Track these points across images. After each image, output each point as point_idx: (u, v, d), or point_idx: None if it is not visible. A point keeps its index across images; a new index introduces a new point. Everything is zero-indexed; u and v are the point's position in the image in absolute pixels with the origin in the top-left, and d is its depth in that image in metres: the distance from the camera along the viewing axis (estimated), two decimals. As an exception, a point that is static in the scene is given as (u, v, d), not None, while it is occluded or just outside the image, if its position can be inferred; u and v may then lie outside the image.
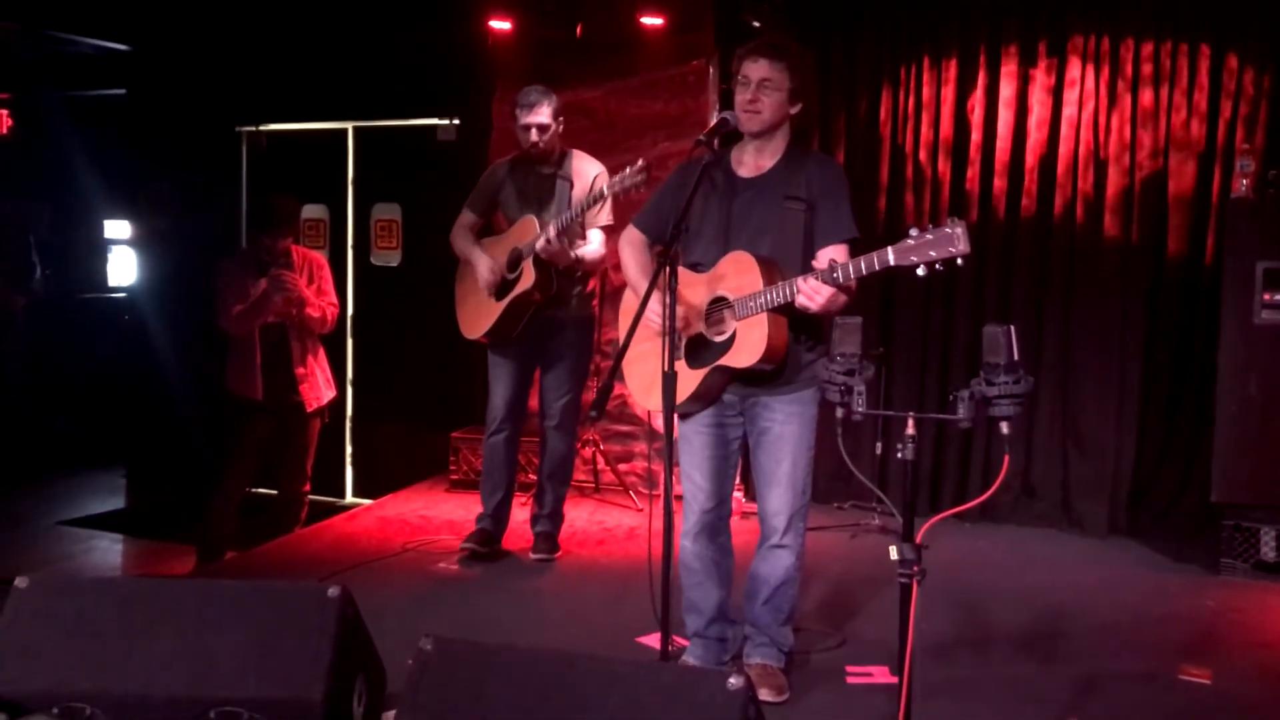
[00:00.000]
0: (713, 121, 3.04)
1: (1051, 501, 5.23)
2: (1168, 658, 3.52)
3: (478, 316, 4.38)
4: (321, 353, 5.18)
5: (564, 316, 4.37)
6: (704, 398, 3.13)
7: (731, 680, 2.14)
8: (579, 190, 4.27)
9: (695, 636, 3.28)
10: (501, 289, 4.30)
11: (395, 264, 6.55)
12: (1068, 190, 5.15)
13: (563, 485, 4.58)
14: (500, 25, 5.61)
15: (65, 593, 2.72)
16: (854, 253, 2.98)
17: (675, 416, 2.99)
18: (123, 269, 9.32)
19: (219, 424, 5.21)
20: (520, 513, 4.82)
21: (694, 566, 3.22)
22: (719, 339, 3.05)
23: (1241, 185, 4.51)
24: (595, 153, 4.49)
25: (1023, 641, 3.70)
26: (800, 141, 3.16)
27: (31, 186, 8.71)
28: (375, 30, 6.13)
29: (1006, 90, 5.21)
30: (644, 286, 3.10)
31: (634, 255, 3.29)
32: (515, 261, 4.27)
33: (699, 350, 3.10)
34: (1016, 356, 2.39)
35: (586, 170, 4.33)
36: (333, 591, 2.65)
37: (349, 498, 6.60)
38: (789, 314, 2.95)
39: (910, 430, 2.51)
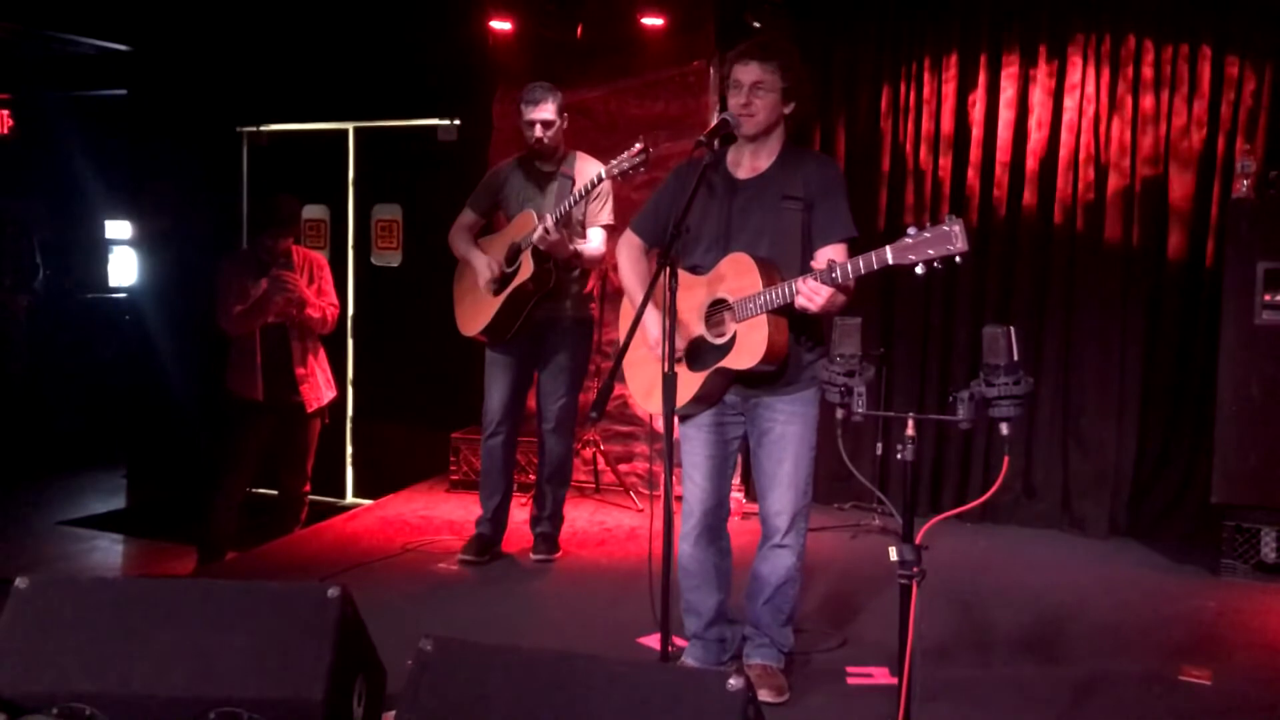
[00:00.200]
0: (713, 122, 3.04)
1: (1052, 502, 5.23)
2: (1168, 658, 3.52)
3: (475, 313, 4.37)
4: (322, 353, 5.18)
5: (562, 317, 4.36)
6: (705, 400, 3.13)
7: (731, 681, 2.14)
8: (579, 188, 4.27)
9: (694, 638, 3.28)
10: (500, 283, 4.30)
11: (396, 264, 6.56)
12: (1068, 191, 5.15)
13: (562, 487, 4.57)
14: (501, 26, 5.61)
15: (65, 593, 2.72)
16: (852, 251, 2.98)
17: (675, 418, 2.99)
18: (124, 269, 9.34)
19: (219, 424, 5.21)
20: (520, 514, 4.82)
21: (693, 569, 3.22)
22: (719, 341, 3.05)
23: (1242, 186, 4.51)
24: (596, 153, 4.49)
25: (1023, 642, 3.70)
26: (801, 141, 3.17)
27: (32, 187, 8.72)
28: (376, 30, 6.13)
29: (1007, 90, 5.21)
30: (640, 294, 3.11)
31: (631, 262, 3.29)
32: (514, 255, 4.26)
33: (699, 353, 3.10)
34: (1016, 357, 2.39)
35: (588, 170, 4.33)
36: (333, 592, 2.65)
37: (349, 498, 6.60)
38: (789, 315, 2.95)
39: (910, 431, 2.51)
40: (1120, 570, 4.61)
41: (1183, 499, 5.06)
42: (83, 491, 7.15)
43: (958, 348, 5.33)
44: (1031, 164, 5.19)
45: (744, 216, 3.08)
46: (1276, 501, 4.36)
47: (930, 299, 5.39)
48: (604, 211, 4.32)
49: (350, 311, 6.58)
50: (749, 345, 2.96)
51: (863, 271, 2.72)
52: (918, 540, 2.48)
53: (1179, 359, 5.11)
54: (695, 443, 3.19)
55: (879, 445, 5.08)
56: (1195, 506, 4.92)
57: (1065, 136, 5.13)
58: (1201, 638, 3.77)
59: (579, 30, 5.58)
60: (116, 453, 7.52)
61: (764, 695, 3.01)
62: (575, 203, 4.14)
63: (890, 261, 2.63)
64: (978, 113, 5.27)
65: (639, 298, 3.13)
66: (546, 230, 4.03)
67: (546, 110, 4.21)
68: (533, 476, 4.93)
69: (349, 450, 6.66)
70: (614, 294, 5.34)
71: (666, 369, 2.66)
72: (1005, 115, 5.22)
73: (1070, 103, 5.11)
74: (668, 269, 2.69)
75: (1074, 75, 5.09)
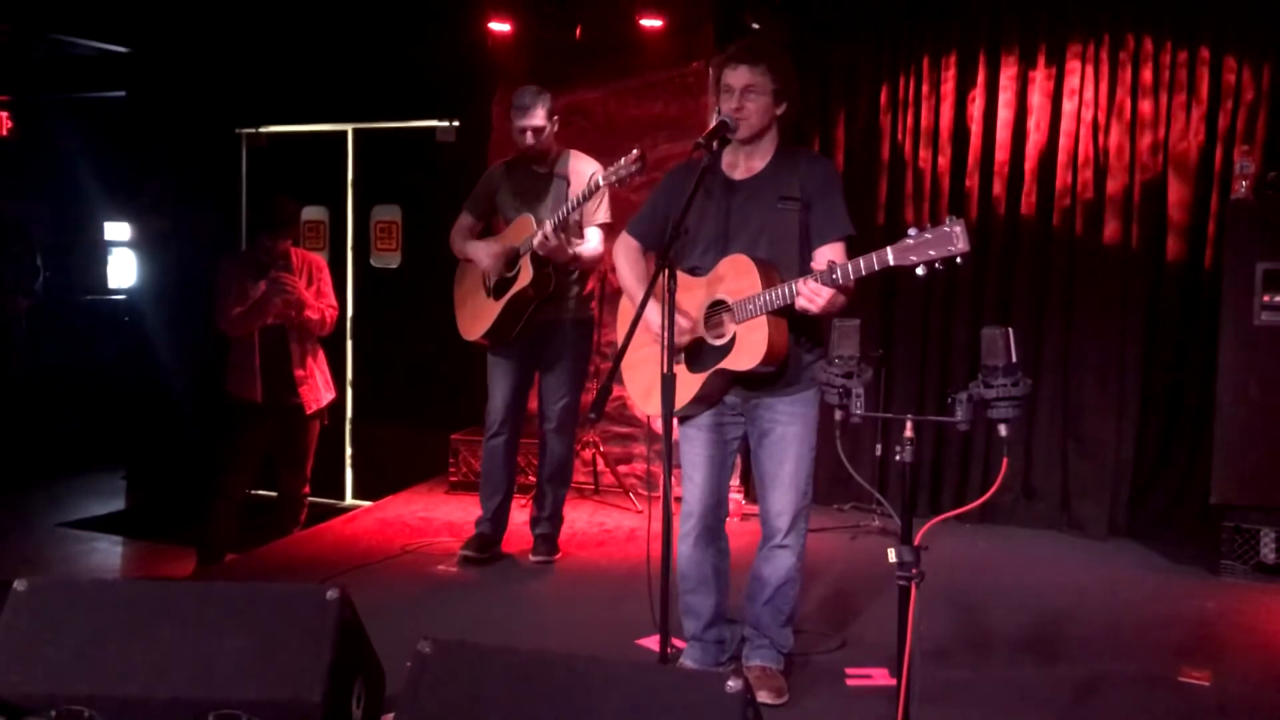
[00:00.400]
0: (712, 124, 3.04)
1: (1052, 503, 5.23)
2: (1168, 659, 3.52)
3: (476, 317, 4.38)
4: (321, 355, 5.18)
5: (563, 318, 4.37)
6: (705, 401, 3.13)
7: (730, 683, 2.14)
8: (575, 189, 4.27)
9: (693, 640, 3.28)
10: (499, 287, 4.30)
11: (395, 266, 6.56)
12: (1067, 192, 5.15)
13: (562, 487, 4.58)
14: (500, 27, 5.61)
15: (64, 595, 2.72)
16: (850, 250, 2.98)
17: (675, 419, 2.99)
18: (123, 271, 9.34)
19: (218, 426, 5.21)
20: (520, 515, 4.82)
21: (691, 570, 3.22)
22: (719, 342, 3.05)
23: (1241, 187, 4.51)
24: (594, 154, 4.49)
25: (1022, 643, 3.70)
26: (800, 141, 3.17)
27: (32, 188, 8.73)
28: (375, 32, 6.13)
29: (1006, 92, 5.21)
30: (640, 293, 3.11)
31: (629, 262, 3.30)
32: (513, 260, 4.27)
33: (699, 354, 3.10)
34: (1015, 359, 2.39)
35: (583, 169, 4.33)
36: (332, 593, 2.65)
37: (348, 499, 6.60)
38: (789, 316, 2.95)
39: (909, 433, 2.51)
40: (1119, 571, 4.61)
41: (1182, 500, 5.07)
42: (82, 493, 7.15)
43: (957, 349, 5.33)
44: (1031, 164, 5.19)
45: (742, 217, 3.08)
46: (1275, 502, 4.36)
47: (930, 300, 5.39)
48: (600, 210, 4.33)
49: (349, 313, 6.58)
50: (749, 346, 2.96)
51: (863, 273, 2.72)
52: (917, 541, 2.48)
53: (1178, 360, 5.11)
54: (695, 443, 3.20)
55: (878, 446, 5.08)
56: (1194, 507, 4.92)
57: (1064, 136, 5.13)
58: (1201, 638, 3.77)
59: (578, 31, 5.59)
60: (116, 454, 7.52)
61: (763, 697, 3.01)
62: (572, 210, 4.15)
63: (892, 262, 2.63)
64: (976, 112, 5.27)
65: (639, 296, 3.14)
66: (545, 236, 4.04)
67: (535, 117, 4.22)
68: (532, 478, 4.93)
69: (348, 452, 6.66)
70: (613, 294, 5.33)
71: (665, 370, 2.66)
72: (1004, 115, 5.22)
73: (1069, 104, 5.11)
74: (666, 271, 2.69)
75: (1073, 78, 5.09)
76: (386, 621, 3.22)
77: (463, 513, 5.13)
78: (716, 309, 3.06)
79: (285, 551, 4.80)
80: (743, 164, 3.13)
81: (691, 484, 3.20)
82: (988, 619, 3.91)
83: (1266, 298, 4.35)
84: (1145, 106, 5.02)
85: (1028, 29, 5.18)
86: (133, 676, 2.53)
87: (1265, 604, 4.13)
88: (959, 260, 2.54)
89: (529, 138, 4.25)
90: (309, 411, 5.08)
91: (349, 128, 6.59)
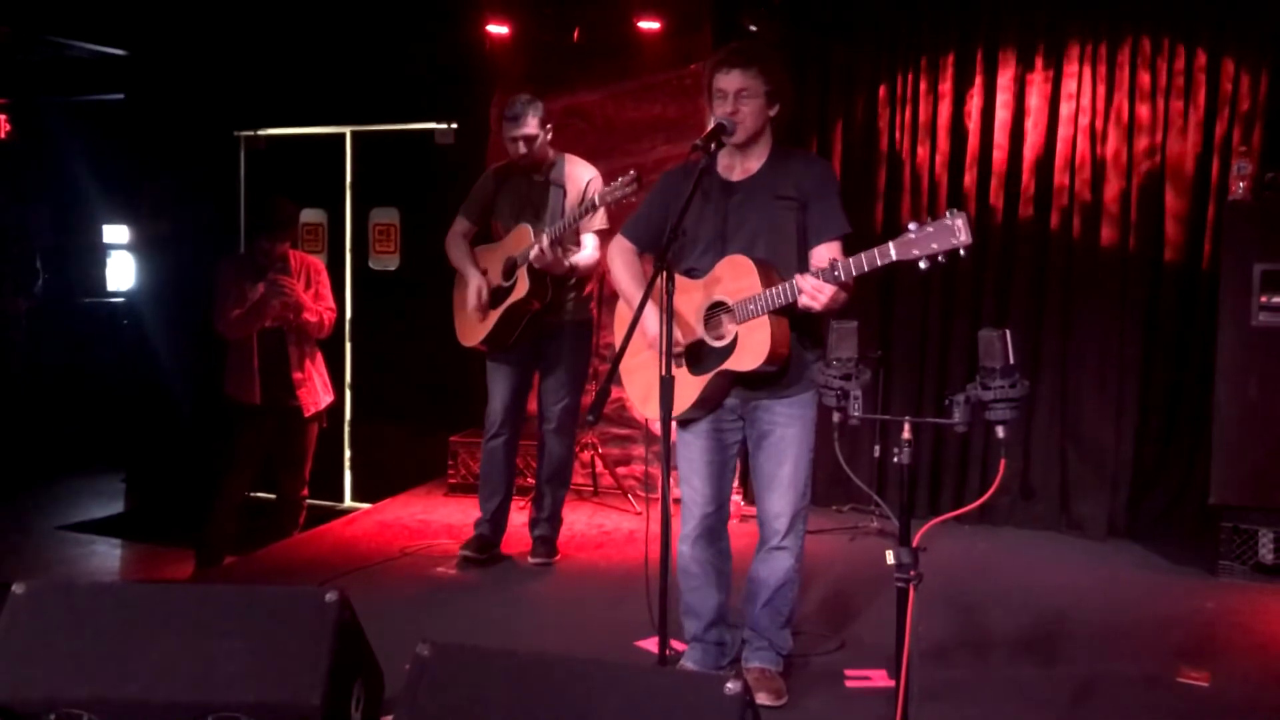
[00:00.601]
0: (709, 126, 3.04)
1: (1050, 503, 5.23)
2: (1167, 660, 3.52)
3: (475, 324, 4.39)
4: (319, 357, 5.19)
5: (562, 320, 4.37)
6: (707, 403, 3.13)
7: (729, 685, 2.14)
8: (572, 195, 4.28)
9: (694, 641, 3.28)
10: (496, 296, 4.31)
11: (393, 268, 6.56)
12: (1065, 193, 5.15)
13: (561, 489, 4.58)
14: (498, 29, 5.62)
15: (63, 598, 2.72)
16: (847, 248, 2.98)
17: (674, 422, 2.99)
18: (121, 273, 9.34)
19: (217, 429, 5.21)
20: (519, 516, 4.82)
21: (692, 571, 3.22)
22: (720, 344, 3.05)
23: (1238, 188, 4.51)
24: (593, 156, 4.50)
25: (1021, 643, 3.70)
26: (798, 142, 3.18)
27: (30, 191, 8.73)
28: (373, 35, 6.13)
29: (1004, 93, 5.21)
30: (637, 295, 3.11)
31: (624, 265, 3.30)
32: (510, 270, 4.28)
33: (700, 356, 3.10)
34: (1012, 360, 2.39)
35: (579, 175, 4.34)
36: (331, 596, 2.65)
37: (347, 502, 6.60)
38: (790, 315, 2.95)
39: (907, 434, 2.51)
40: (1118, 571, 4.61)
41: (1180, 500, 5.07)
42: (81, 496, 7.14)
43: (955, 350, 5.33)
44: (1029, 166, 5.20)
45: (739, 218, 3.08)
46: (1274, 502, 4.36)
47: (928, 301, 5.39)
48: (596, 217, 4.33)
49: (348, 315, 6.58)
50: (751, 346, 2.96)
51: (866, 269, 2.72)
52: (915, 543, 2.48)
53: (1176, 360, 5.11)
54: (694, 449, 3.19)
55: (876, 448, 5.07)
56: (1193, 507, 4.92)
57: (1062, 137, 5.13)
58: (1200, 639, 3.77)
59: (576, 34, 5.59)
60: (115, 457, 7.51)
61: (762, 698, 3.01)
62: (569, 225, 4.15)
63: (894, 257, 2.64)
64: (974, 112, 5.27)
65: (635, 297, 3.14)
66: (542, 250, 4.05)
67: (528, 126, 4.21)
68: (531, 480, 4.93)
69: (347, 454, 6.66)
70: (612, 296, 5.31)
71: (664, 372, 2.66)
72: (1001, 117, 5.22)
73: (1066, 105, 5.11)
74: (664, 273, 2.69)
75: (1070, 80, 5.09)
76: (386, 624, 3.22)
77: (462, 515, 5.13)
78: (716, 310, 3.06)
79: (284, 554, 4.80)
80: (739, 165, 3.13)
81: (690, 489, 3.20)
82: (986, 620, 3.92)
83: (1264, 298, 4.36)
84: (1142, 107, 5.02)
85: (1025, 30, 5.18)
86: (132, 679, 2.53)
87: (1264, 604, 4.14)
88: (962, 253, 2.55)
89: (521, 147, 4.24)
90: (307, 414, 5.08)
91: (347, 130, 6.59)
